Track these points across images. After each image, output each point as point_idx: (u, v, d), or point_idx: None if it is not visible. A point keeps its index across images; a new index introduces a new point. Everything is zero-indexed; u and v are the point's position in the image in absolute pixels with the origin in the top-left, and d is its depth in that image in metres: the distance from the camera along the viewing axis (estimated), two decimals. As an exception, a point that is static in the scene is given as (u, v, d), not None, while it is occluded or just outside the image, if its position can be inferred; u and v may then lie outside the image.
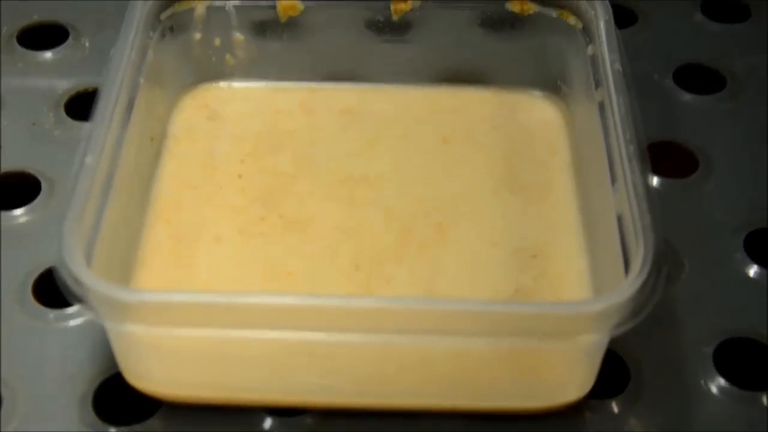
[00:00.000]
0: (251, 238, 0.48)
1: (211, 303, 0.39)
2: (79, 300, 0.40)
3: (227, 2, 0.54)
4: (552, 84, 0.54)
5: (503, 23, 0.54)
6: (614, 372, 0.45)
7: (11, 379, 0.45)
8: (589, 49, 0.50)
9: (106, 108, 0.45)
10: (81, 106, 0.55)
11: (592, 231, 0.48)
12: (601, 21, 0.49)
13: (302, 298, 0.39)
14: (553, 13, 0.52)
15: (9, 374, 0.45)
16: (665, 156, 0.54)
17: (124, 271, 0.46)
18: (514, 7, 0.53)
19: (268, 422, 0.44)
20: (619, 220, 0.43)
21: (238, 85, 0.55)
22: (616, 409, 0.45)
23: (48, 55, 0.59)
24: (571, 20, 0.52)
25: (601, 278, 0.46)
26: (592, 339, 0.41)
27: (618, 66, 0.47)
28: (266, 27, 0.55)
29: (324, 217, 0.49)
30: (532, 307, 0.41)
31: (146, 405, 0.44)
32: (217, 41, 0.55)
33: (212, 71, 0.55)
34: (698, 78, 0.59)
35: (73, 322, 0.47)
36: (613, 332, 0.40)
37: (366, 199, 0.50)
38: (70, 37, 0.60)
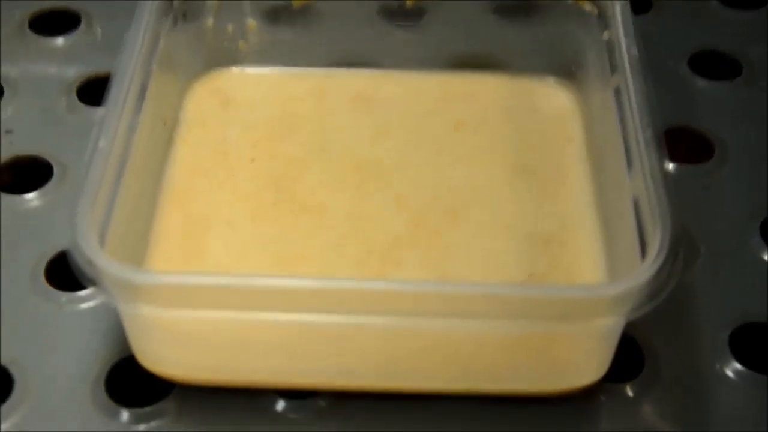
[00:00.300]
0: (263, 223, 0.48)
1: (224, 285, 0.39)
2: (92, 282, 0.40)
3: (240, -12, 0.54)
4: (566, 70, 0.54)
5: (518, 9, 0.54)
6: (629, 356, 0.45)
7: (24, 362, 0.45)
8: (605, 35, 0.50)
9: (119, 93, 0.45)
10: (93, 91, 0.55)
11: (607, 216, 0.48)
12: (617, 6, 0.49)
13: (315, 281, 0.39)
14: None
15: (22, 357, 0.45)
16: (680, 142, 0.54)
17: (137, 255, 0.46)
18: (529, -7, 0.53)
19: (280, 404, 0.44)
20: (636, 204, 0.43)
21: (250, 71, 0.55)
22: (631, 394, 0.44)
23: (60, 41, 0.59)
24: (587, 6, 0.52)
25: (617, 263, 0.45)
26: (608, 323, 0.41)
27: (634, 51, 0.47)
28: (279, 13, 0.55)
29: (336, 203, 0.49)
30: (548, 290, 0.41)
31: (159, 387, 0.44)
32: (230, 27, 0.54)
33: (225, 57, 0.55)
34: (713, 65, 0.58)
35: (85, 305, 0.47)
36: (629, 316, 0.40)
37: (378, 184, 0.50)
38: (82, 24, 0.60)
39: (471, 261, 0.47)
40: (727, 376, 0.45)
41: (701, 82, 0.57)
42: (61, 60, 0.58)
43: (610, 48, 0.49)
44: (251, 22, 0.55)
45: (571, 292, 0.40)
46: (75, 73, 0.57)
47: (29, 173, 0.52)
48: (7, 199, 0.51)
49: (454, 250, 0.47)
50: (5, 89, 0.56)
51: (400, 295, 0.39)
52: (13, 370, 0.44)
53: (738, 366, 0.45)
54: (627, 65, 0.47)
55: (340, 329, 0.41)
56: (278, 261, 0.47)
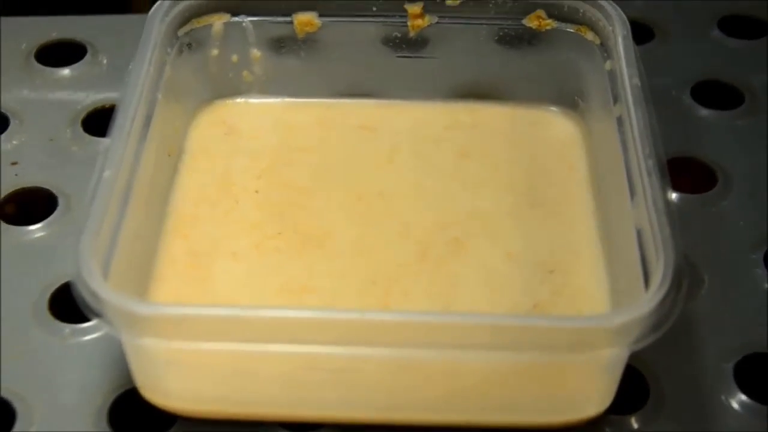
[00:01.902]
0: (267, 253, 0.48)
1: (227, 316, 0.39)
2: (95, 314, 0.39)
3: (245, 18, 0.54)
4: (569, 100, 0.54)
5: (520, 39, 0.54)
6: (634, 387, 0.44)
7: (27, 393, 0.44)
8: (607, 65, 0.50)
9: (124, 123, 0.45)
10: (99, 122, 0.55)
11: (610, 246, 0.47)
12: (619, 36, 0.49)
13: (319, 312, 0.39)
14: (571, 29, 0.52)
15: (25, 389, 0.45)
16: (684, 172, 0.54)
17: (141, 286, 0.46)
18: (532, 23, 0.53)
19: (284, 437, 0.43)
20: (639, 234, 0.43)
21: (254, 101, 0.55)
22: (635, 425, 0.44)
23: (66, 71, 0.60)
24: (589, 36, 0.52)
25: (620, 293, 0.45)
26: (612, 353, 0.40)
27: (636, 81, 0.47)
28: (283, 43, 0.55)
29: (340, 233, 0.49)
30: (551, 321, 0.41)
31: (161, 420, 0.44)
32: (235, 57, 0.55)
33: (229, 87, 0.55)
34: (716, 94, 0.58)
35: (89, 337, 0.47)
36: (633, 347, 0.40)
37: (383, 214, 0.50)
38: (88, 54, 0.60)
39: (476, 291, 0.47)
40: (731, 407, 0.44)
41: (704, 111, 0.57)
42: (67, 90, 0.58)
43: (613, 77, 0.49)
44: (255, 53, 0.55)
45: (575, 323, 0.40)
46: (80, 103, 0.57)
47: (34, 204, 0.52)
48: (12, 230, 0.51)
49: (459, 280, 0.47)
50: (11, 120, 0.56)
51: (404, 327, 0.39)
52: (16, 403, 0.44)
53: (743, 397, 0.45)
54: (629, 95, 0.47)
55: (344, 361, 0.41)
56: (282, 292, 0.46)
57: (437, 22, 0.54)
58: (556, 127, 0.54)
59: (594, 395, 0.42)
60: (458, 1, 0.53)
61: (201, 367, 0.42)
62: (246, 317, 0.39)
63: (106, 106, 0.57)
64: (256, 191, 0.51)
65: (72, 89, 0.59)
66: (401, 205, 0.50)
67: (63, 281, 0.48)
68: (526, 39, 0.54)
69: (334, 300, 0.46)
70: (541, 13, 0.53)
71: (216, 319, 0.39)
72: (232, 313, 0.39)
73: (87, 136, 0.56)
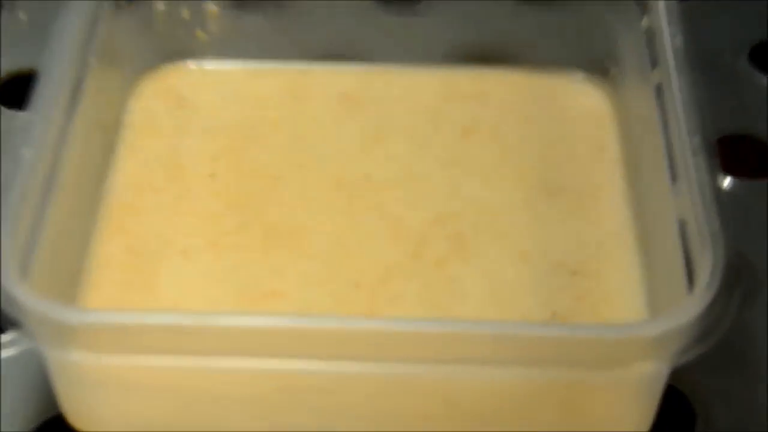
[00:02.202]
0: (227, 251, 0.49)
1: (177, 325, 0.40)
2: (13, 324, 0.40)
3: (198, -37, 0.55)
4: (598, 64, 0.55)
5: (538, -9, 0.55)
6: (677, 413, 0.45)
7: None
8: (644, 22, 0.51)
9: (48, 93, 0.46)
10: (16, 91, 0.56)
11: (647, 241, 0.48)
12: (659, -13, 0.50)
13: (290, 320, 0.40)
14: (601, -21, 0.53)
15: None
16: (738, 152, 0.54)
17: (69, 291, 0.46)
18: (552, -29, 0.54)
19: (246, 471, 0.44)
20: (681, 226, 0.43)
21: (210, 66, 0.56)
22: (678, 460, 0.45)
23: (-24, 31, 0.60)
24: (622, -14, 0.53)
25: (659, 298, 0.46)
26: (649, 370, 0.41)
27: (679, 41, 0.48)
28: (246, -5, 0.56)
29: (317, 227, 0.50)
30: (573, 331, 0.41)
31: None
32: (186, 12, 0.55)
33: (179, 49, 0.56)
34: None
35: (5, 353, 0.47)
36: (675, 362, 0.40)
37: (368, 204, 0.51)
38: (4, 10, 0.61)
39: (481, 297, 0.47)
40: (795, 438, 0.45)
41: (764, 80, 0.58)
42: (-23, 54, 0.59)
43: (650, 37, 0.50)
44: (211, 7, 0.55)
45: (603, 333, 0.40)
46: (-5, 69, 0.58)
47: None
48: None
49: (461, 284, 0.48)
50: None
51: (394, 338, 0.40)
52: None
53: (810, 425, 0.45)
54: (670, 58, 0.47)
55: (321, 380, 0.41)
56: (244, 298, 0.47)
57: (435, -31, 0.55)
58: (581, 98, 0.55)
59: (627, 422, 0.43)
60: (460, -57, 0.54)
61: (143, 388, 0.42)
62: (199, 327, 0.39)
63: (26, 72, 0.57)
64: (212, 176, 0.52)
65: (-16, 52, 0.59)
66: (390, 193, 0.51)
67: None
68: (546, -9, 0.55)
69: (307, 307, 0.47)
70: (562, -44, 0.54)
71: (162, 328, 0.40)
72: (182, 321, 0.40)
73: (2, 109, 0.56)
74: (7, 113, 0.56)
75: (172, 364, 0.41)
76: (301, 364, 0.41)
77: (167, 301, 0.47)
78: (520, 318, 0.47)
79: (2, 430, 0.45)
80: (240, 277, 0.48)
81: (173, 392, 0.42)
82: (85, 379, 0.42)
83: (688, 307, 0.39)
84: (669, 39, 0.48)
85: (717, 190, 0.43)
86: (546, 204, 0.51)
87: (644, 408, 0.43)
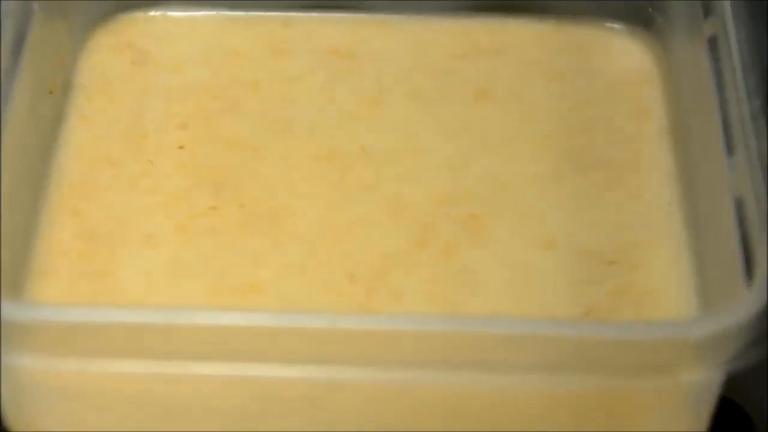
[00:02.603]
0: (197, 236, 0.50)
1: (140, 324, 0.40)
2: (-54, 321, 0.41)
3: None
4: (640, 13, 0.56)
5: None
6: (732, 427, 0.45)
7: None
8: (695, -38, 0.51)
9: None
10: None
11: (697, 225, 0.49)
12: None
13: (273, 317, 0.40)
14: None
15: None
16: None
17: (14, 281, 0.47)
18: None
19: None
20: (738, 206, 0.44)
21: (175, 14, 0.57)
22: (734, 481, 0.46)
23: None
24: None
25: (711, 292, 0.47)
26: (699, 377, 0.42)
27: (738, -16, 0.49)
28: (217, -73, 0.56)
29: (303, 207, 0.50)
30: (611, 330, 0.41)
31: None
32: (145, -51, 0.56)
33: (139, -5, 0.56)
34: None
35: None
36: (730, 367, 0.41)
37: (364, 180, 0.51)
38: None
39: (499, 291, 0.48)
40: None
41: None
42: None
43: (703, -19, 0.50)
44: (176, -58, 0.56)
45: (646, 333, 0.41)
46: None
47: None
48: None
49: (475, 275, 0.49)
50: None
51: (395, 338, 0.40)
52: None
53: None
54: (727, 5, 0.48)
55: (309, 387, 0.42)
56: (219, 291, 0.48)
57: None
58: (620, 53, 0.56)
59: (673, 437, 0.44)
60: None
61: (101, 397, 0.43)
62: (166, 325, 0.40)
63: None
64: (180, 147, 0.52)
65: None
66: (392, 167, 0.52)
67: None
68: (577, -76, 0.55)
69: (293, 302, 0.47)
70: None
71: (123, 327, 0.40)
72: (146, 320, 0.40)
73: (-71, 68, 0.57)
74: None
75: (134, 370, 0.42)
76: (286, 370, 0.41)
77: (128, 295, 0.48)
78: (546, 316, 0.47)
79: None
80: (213, 267, 0.49)
81: (136, 402, 0.43)
82: (33, 385, 0.43)
83: (746, 302, 0.40)
84: (725, -17, 0.49)
85: (781, 163, 0.44)
86: (576, 180, 0.52)
87: (693, 421, 0.43)
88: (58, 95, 0.53)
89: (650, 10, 0.55)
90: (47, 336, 0.40)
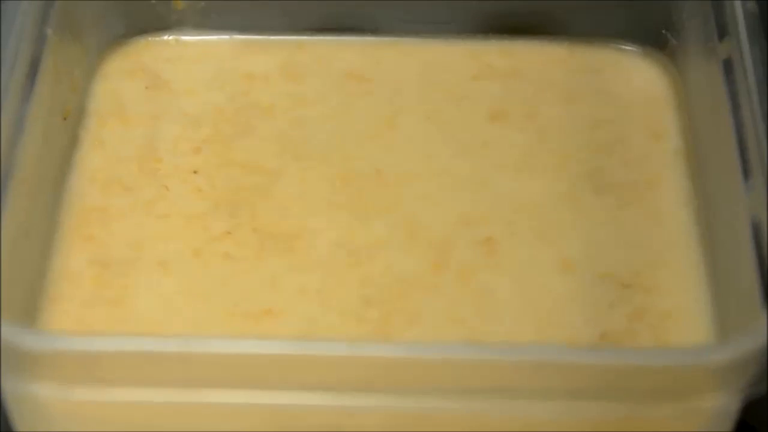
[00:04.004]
0: (212, 261, 0.49)
1: (155, 353, 0.40)
2: (-39, 350, 0.40)
3: None
4: (654, 34, 0.55)
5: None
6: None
7: None
8: (709, -18, 0.51)
9: (-1, 74, 0.47)
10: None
11: (714, 248, 0.49)
12: (726, -59, 0.50)
13: (288, 345, 0.40)
14: (656, -68, 0.54)
15: None
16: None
17: (28, 308, 0.47)
18: (599, -76, 0.55)
19: None
20: (755, 229, 0.44)
21: (189, 38, 0.57)
22: None
23: None
24: (683, -57, 0.53)
25: (729, 317, 0.46)
26: (717, 404, 0.41)
27: (753, 6, 0.48)
28: (231, -46, 0.56)
29: (319, 231, 0.50)
30: (627, 356, 0.41)
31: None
32: (160, -25, 0.56)
33: (153, 19, 0.56)
34: None
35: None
36: (748, 394, 0.41)
37: (379, 203, 0.51)
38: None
39: (516, 315, 0.48)
40: None
41: None
42: None
43: (718, 1, 0.50)
44: (190, -32, 0.56)
45: (663, 359, 0.41)
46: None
47: None
48: None
49: (492, 299, 0.48)
50: None
51: (412, 366, 0.40)
52: None
53: None
54: (742, 26, 0.48)
55: (325, 415, 0.42)
56: (234, 317, 0.48)
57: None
58: (633, 74, 0.56)
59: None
60: None
61: (117, 424, 0.43)
62: (182, 354, 0.40)
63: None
64: (195, 172, 0.52)
65: None
66: (407, 190, 0.52)
67: None
68: (591, -54, 0.55)
69: (309, 329, 0.47)
70: None
71: (137, 356, 0.40)
72: (161, 348, 0.40)
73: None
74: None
75: (149, 399, 0.41)
76: (302, 398, 0.41)
77: (143, 322, 0.48)
78: (563, 340, 0.47)
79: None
80: (228, 292, 0.49)
81: (149, 430, 0.43)
82: (47, 415, 0.43)
83: (765, 327, 0.40)
84: (740, 2, 0.49)
85: (800, 186, 0.43)
86: (592, 202, 0.51)
87: (712, 449, 0.43)
88: (72, 120, 0.53)
89: (664, 31, 0.55)
90: (60, 365, 0.40)
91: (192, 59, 0.56)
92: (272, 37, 0.57)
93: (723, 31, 0.49)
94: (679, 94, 0.54)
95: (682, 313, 0.48)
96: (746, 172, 0.46)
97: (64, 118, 0.52)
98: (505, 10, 0.56)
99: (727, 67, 0.48)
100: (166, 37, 0.57)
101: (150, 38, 0.57)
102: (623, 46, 0.56)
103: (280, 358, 0.40)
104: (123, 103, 0.55)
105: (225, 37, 0.57)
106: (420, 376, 0.40)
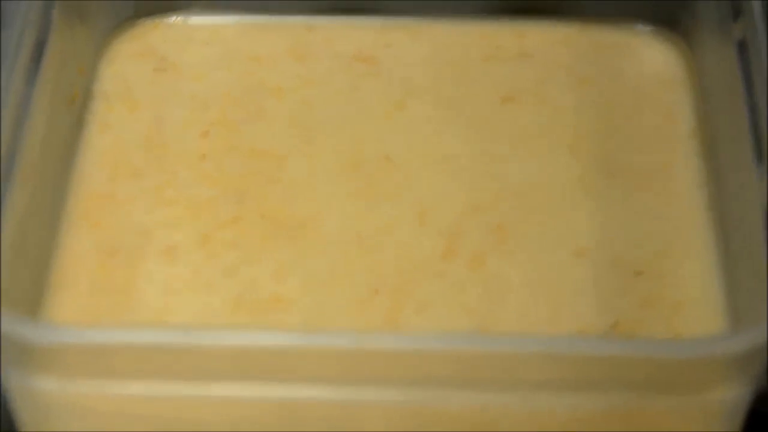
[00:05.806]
0: (220, 248, 0.49)
1: (162, 344, 0.40)
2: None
3: None
4: (668, 15, 0.55)
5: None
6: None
7: None
8: (725, -39, 0.51)
9: (4, 57, 0.46)
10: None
11: (727, 234, 0.49)
12: None
13: (298, 336, 0.40)
14: None
15: None
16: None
17: (33, 297, 0.47)
18: None
19: None
20: (769, 215, 0.44)
21: (196, 19, 0.57)
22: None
23: None
24: None
25: (742, 306, 0.46)
26: (729, 394, 0.41)
27: (770, -15, 0.48)
28: (239, -65, 0.56)
29: (327, 218, 0.50)
30: (639, 347, 0.41)
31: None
32: (167, -44, 0.56)
33: (160, 1, 0.56)
34: None
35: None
36: (760, 383, 0.41)
37: (389, 189, 0.51)
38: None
39: (527, 303, 0.48)
40: None
41: None
42: None
43: (732, -19, 0.50)
44: (198, -52, 0.56)
45: (675, 350, 0.40)
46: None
47: None
48: None
49: (503, 287, 0.48)
50: None
51: (422, 356, 0.40)
52: None
53: None
54: (757, 6, 0.48)
55: (334, 408, 0.42)
56: (241, 304, 0.48)
57: None
58: (646, 55, 0.55)
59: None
60: None
61: (122, 420, 0.42)
62: (189, 345, 0.40)
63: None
64: (202, 156, 0.52)
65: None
66: (417, 176, 0.51)
67: None
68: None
69: (317, 317, 0.47)
70: None
71: (144, 348, 0.40)
72: (168, 340, 0.40)
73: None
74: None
75: (156, 392, 0.41)
76: (310, 390, 0.41)
77: (149, 310, 0.48)
78: (574, 328, 0.47)
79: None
80: (236, 280, 0.48)
81: (158, 425, 0.43)
82: (52, 408, 0.43)
83: (777, 317, 0.40)
84: (755, -17, 0.48)
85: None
86: (604, 187, 0.51)
87: (724, 441, 0.43)
88: (79, 103, 0.53)
89: (678, 11, 0.55)
90: (66, 358, 0.40)
91: (200, 41, 0.56)
92: (280, 19, 0.56)
93: (737, 11, 0.49)
94: (693, 75, 0.54)
95: (694, 301, 0.47)
96: (759, 157, 0.45)
97: (71, 102, 0.52)
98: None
99: (742, 48, 0.48)
100: (173, 19, 0.56)
101: (157, 20, 0.56)
102: (636, 27, 0.56)
103: (287, 350, 0.40)
104: (130, 86, 0.54)
105: (233, 18, 0.57)
106: (427, 367, 0.40)
